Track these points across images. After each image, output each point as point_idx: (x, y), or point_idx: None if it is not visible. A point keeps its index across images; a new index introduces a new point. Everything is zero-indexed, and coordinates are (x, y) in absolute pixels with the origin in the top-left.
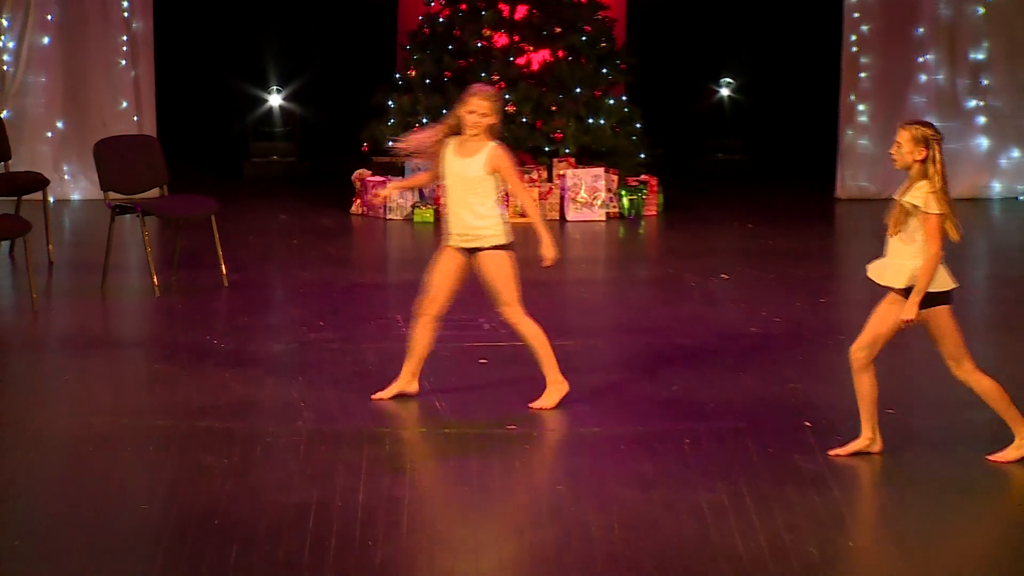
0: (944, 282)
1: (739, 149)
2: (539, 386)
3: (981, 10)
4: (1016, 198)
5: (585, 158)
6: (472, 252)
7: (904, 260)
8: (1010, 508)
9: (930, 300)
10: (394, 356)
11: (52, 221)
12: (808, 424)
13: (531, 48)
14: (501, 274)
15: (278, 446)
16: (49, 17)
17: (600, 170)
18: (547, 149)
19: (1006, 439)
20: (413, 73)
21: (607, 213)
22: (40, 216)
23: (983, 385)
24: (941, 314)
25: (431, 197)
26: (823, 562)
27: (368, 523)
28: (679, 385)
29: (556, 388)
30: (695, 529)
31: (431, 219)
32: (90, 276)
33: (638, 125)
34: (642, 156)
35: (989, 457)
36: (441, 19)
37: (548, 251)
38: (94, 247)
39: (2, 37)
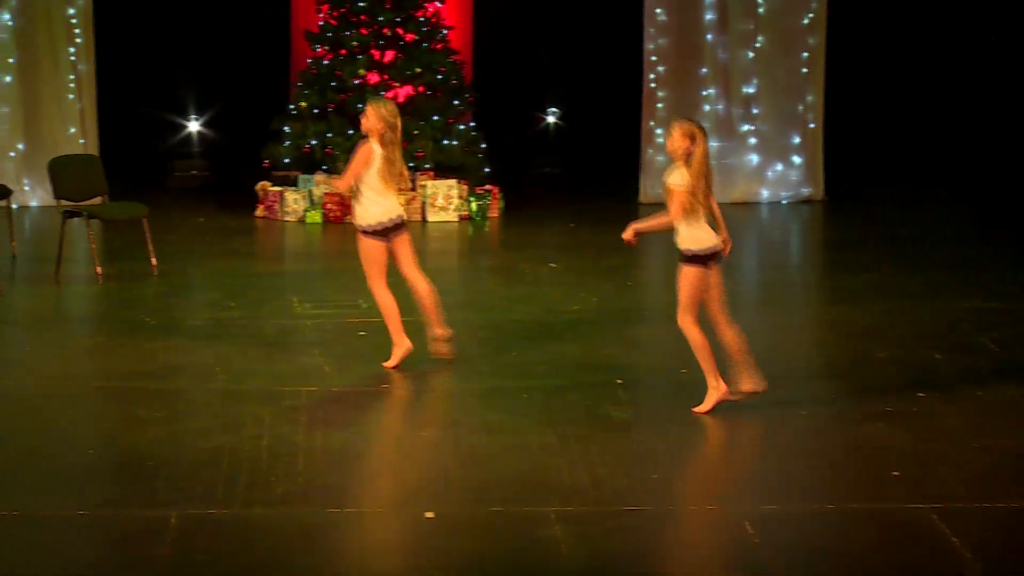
0: (697, 245)
1: (561, 164)
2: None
3: (751, 54)
4: (780, 202)
5: (441, 172)
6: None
7: (680, 229)
8: (773, 444)
9: (684, 259)
10: (291, 330)
11: (15, 224)
12: (620, 381)
13: (397, 84)
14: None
15: (197, 402)
16: (11, 60)
17: (453, 181)
18: (411, 165)
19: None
20: (303, 104)
21: (459, 215)
22: (5, 220)
23: (693, 336)
24: (686, 271)
25: (320, 201)
26: (631, 490)
27: (270, 464)
28: (516, 351)
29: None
30: (530, 465)
31: (319, 220)
32: (46, 267)
33: (483, 145)
34: (486, 170)
35: (693, 410)
36: (325, 61)
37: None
38: (49, 244)
39: None
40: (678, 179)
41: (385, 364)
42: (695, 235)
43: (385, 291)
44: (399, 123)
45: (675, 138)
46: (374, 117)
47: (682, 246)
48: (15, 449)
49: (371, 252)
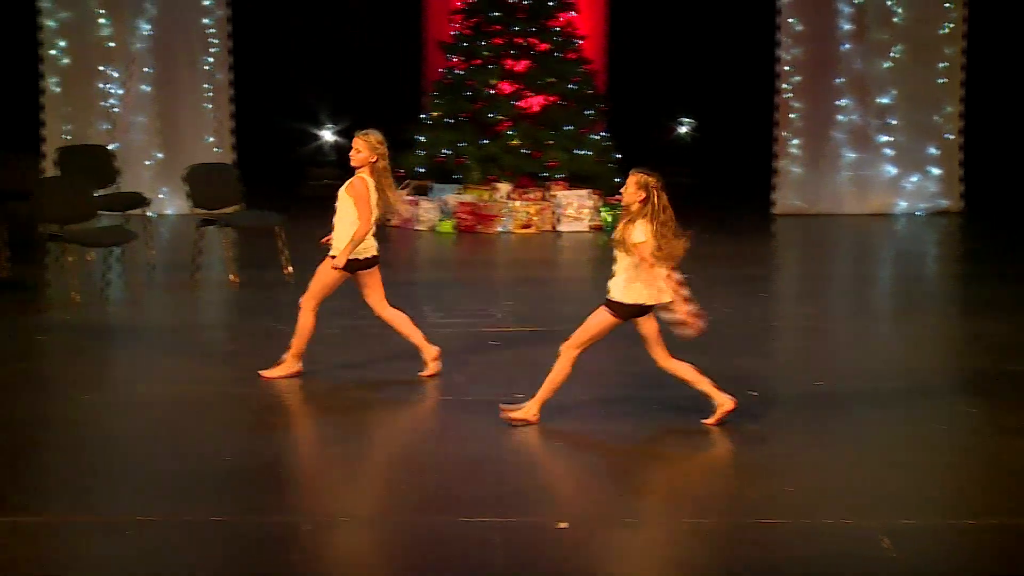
0: (628, 298)
1: (694, 175)
2: (535, 364)
3: (888, 64)
4: (916, 214)
5: (574, 182)
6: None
7: (619, 276)
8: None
9: (633, 312)
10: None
11: (152, 232)
12: (753, 393)
13: (530, 94)
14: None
15: (329, 409)
16: (148, 70)
17: (586, 191)
18: (544, 175)
19: (904, 403)
20: (437, 114)
21: (591, 225)
22: (143, 228)
23: (681, 369)
24: (644, 320)
25: (452, 212)
26: (765, 503)
27: (401, 472)
28: (648, 363)
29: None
30: (663, 477)
31: (452, 229)
32: (182, 274)
33: (615, 155)
34: (618, 180)
35: (704, 422)
36: (458, 71)
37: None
38: (185, 252)
39: (112, 85)
40: (640, 235)
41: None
42: (633, 287)
43: (313, 313)
44: (387, 151)
45: (630, 189)
46: (366, 149)
47: (612, 292)
48: (152, 455)
49: (329, 276)
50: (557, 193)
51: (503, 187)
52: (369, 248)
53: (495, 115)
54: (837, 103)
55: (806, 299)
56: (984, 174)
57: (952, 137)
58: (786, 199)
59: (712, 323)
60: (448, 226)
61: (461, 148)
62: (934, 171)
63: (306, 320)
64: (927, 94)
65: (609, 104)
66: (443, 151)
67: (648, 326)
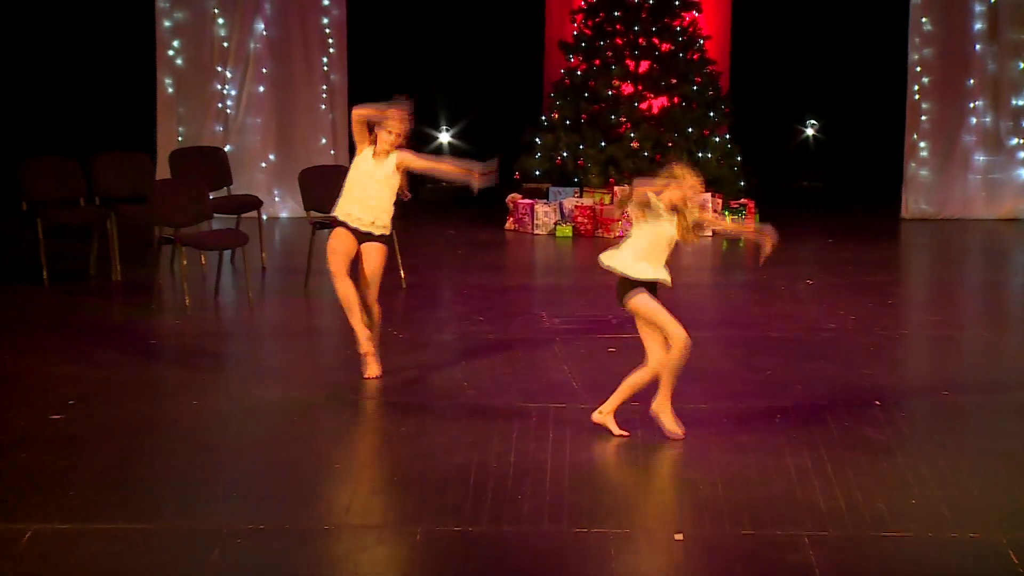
0: (646, 274)
1: (820, 179)
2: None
3: (1022, 64)
4: None
5: None
6: (365, 236)
7: (625, 251)
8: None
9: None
10: (539, 345)
11: (265, 235)
12: (878, 403)
13: (652, 96)
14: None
15: (445, 417)
16: (264, 70)
17: (708, 195)
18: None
19: None
20: (556, 115)
21: (712, 230)
22: (256, 231)
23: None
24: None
25: (570, 216)
26: (890, 516)
27: (517, 480)
28: (771, 370)
29: None
30: (784, 487)
31: (570, 234)
32: (295, 279)
33: (739, 158)
34: (742, 184)
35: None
36: (579, 72)
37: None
38: (299, 256)
39: (227, 86)
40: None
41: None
42: (639, 265)
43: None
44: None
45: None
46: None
47: (618, 266)
48: (266, 461)
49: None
50: None
51: (623, 190)
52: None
53: (615, 117)
54: (969, 105)
55: (934, 306)
56: None
57: None
58: (915, 203)
59: (838, 331)
60: (566, 230)
61: (580, 150)
62: None
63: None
64: None
65: (733, 106)
66: (562, 153)
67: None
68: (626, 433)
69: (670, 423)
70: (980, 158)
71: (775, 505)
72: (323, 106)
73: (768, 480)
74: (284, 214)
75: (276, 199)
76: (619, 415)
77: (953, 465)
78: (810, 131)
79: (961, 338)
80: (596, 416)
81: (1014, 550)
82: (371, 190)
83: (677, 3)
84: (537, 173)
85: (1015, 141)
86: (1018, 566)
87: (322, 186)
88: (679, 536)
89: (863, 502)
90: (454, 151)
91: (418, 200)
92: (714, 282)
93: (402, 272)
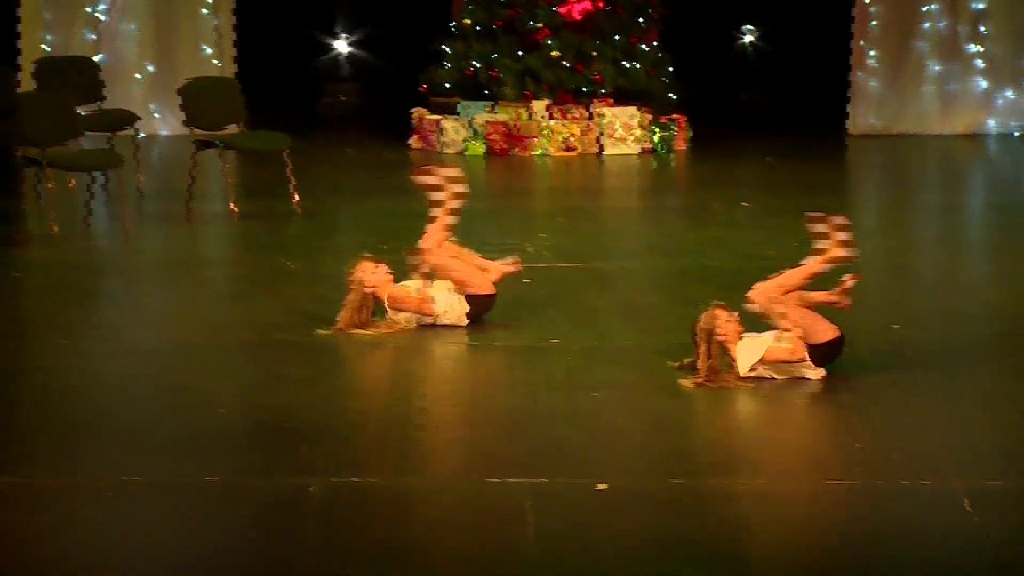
0: None
1: (760, 91)
2: (577, 305)
3: None
4: (1010, 134)
5: (621, 98)
6: None
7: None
8: (997, 410)
9: None
10: None
11: (141, 154)
12: None
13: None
14: None
15: (346, 358)
16: None
17: (634, 109)
18: (587, 90)
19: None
20: (467, 22)
21: (640, 148)
22: (131, 150)
23: None
24: None
25: (482, 132)
26: (833, 462)
27: (425, 428)
28: (706, 303)
29: None
30: (719, 433)
31: (482, 152)
32: (175, 204)
33: (669, 68)
34: (672, 96)
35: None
36: None
37: None
38: (179, 178)
39: None
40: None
41: None
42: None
43: None
44: None
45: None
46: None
47: None
48: (146, 409)
49: None
50: (601, 111)
51: (540, 104)
52: None
53: (533, 22)
54: (922, 8)
55: (884, 231)
56: None
57: None
58: (863, 117)
59: (779, 259)
60: (477, 148)
61: (494, 60)
62: None
63: None
64: None
65: (664, 10)
66: (473, 64)
67: None
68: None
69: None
70: (935, 67)
71: (708, 452)
72: (206, 11)
73: (701, 425)
74: (163, 131)
75: (154, 115)
76: (539, 354)
77: (904, 406)
78: (748, 38)
79: (914, 266)
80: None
81: (969, 497)
82: None
83: None
84: (446, 85)
85: (974, 48)
86: (972, 515)
87: (206, 101)
88: (602, 486)
89: (804, 447)
90: (353, 62)
91: (314, 115)
92: (642, 206)
93: (295, 196)
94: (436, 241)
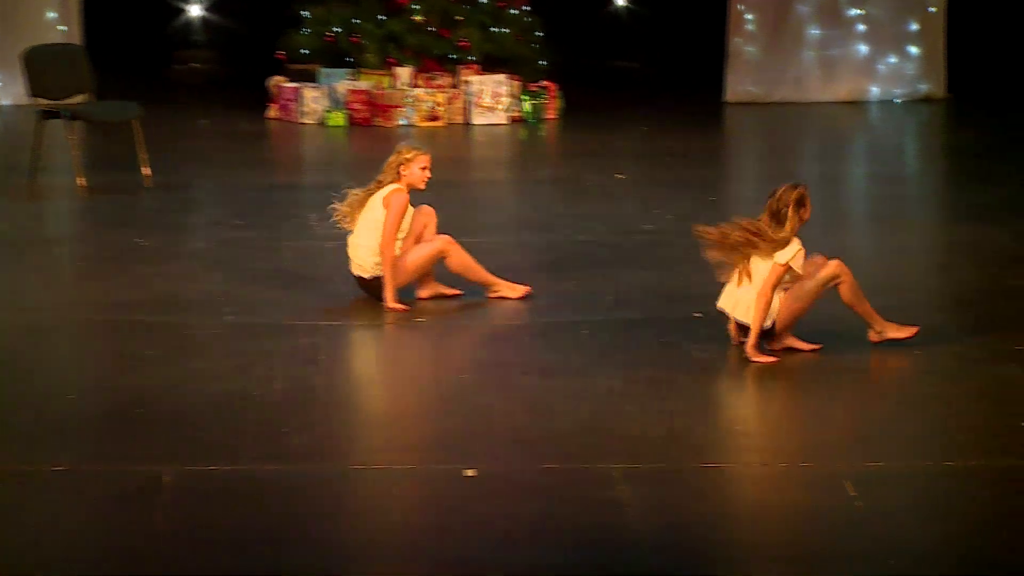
0: None
1: (634, 58)
2: (446, 282)
3: None
4: (893, 100)
5: (489, 65)
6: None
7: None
8: (881, 392)
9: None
10: (309, 253)
11: None
12: (698, 315)
13: None
14: None
15: (200, 339)
16: None
17: (503, 76)
18: (453, 57)
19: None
20: None
21: (509, 117)
22: None
23: None
24: None
25: (343, 101)
26: (712, 445)
27: (284, 412)
28: (578, 279)
29: None
30: (593, 414)
31: (343, 123)
32: (17, 177)
33: (539, 34)
34: (542, 63)
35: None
36: None
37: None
38: (22, 150)
39: None
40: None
41: None
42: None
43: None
44: None
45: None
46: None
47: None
48: None
49: None
50: (469, 79)
51: (404, 72)
52: None
53: None
54: None
55: (761, 203)
56: (971, 54)
57: (935, 11)
58: (740, 85)
59: (655, 233)
60: (338, 118)
61: (355, 26)
62: (914, 50)
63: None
64: None
65: None
66: (333, 29)
67: None
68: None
69: (895, 331)
70: (815, 32)
71: (582, 435)
72: None
73: (575, 407)
74: (5, 101)
75: None
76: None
77: (785, 386)
78: (621, 1)
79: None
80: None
81: (851, 480)
82: None
83: None
84: (305, 52)
85: (855, 11)
86: (856, 498)
87: (51, 68)
88: (471, 472)
89: (682, 430)
90: (207, 27)
91: (166, 83)
92: (512, 178)
93: (146, 169)
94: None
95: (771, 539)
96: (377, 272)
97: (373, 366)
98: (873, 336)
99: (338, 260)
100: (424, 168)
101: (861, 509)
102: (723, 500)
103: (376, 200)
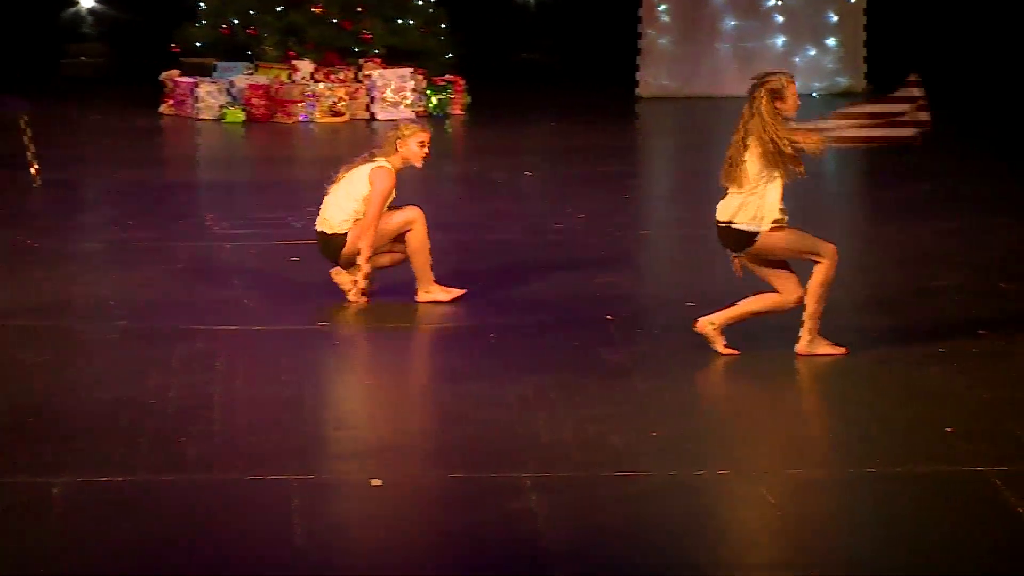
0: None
1: (544, 50)
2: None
3: None
4: (811, 95)
5: (393, 58)
6: None
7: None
8: (801, 397)
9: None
10: (206, 254)
11: None
12: (611, 317)
13: None
14: None
15: (90, 343)
16: None
17: (407, 70)
18: (355, 50)
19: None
20: None
21: (414, 112)
22: None
23: None
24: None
25: (241, 97)
26: (627, 452)
27: (180, 421)
28: (486, 280)
29: None
30: (502, 421)
31: (241, 119)
32: None
33: (444, 26)
34: (448, 56)
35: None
36: None
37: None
38: None
39: None
40: None
41: None
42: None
43: None
44: None
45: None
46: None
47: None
48: None
49: None
50: (372, 73)
51: (305, 66)
52: None
53: None
54: None
55: (678, 201)
56: (891, 46)
57: (854, 1)
58: (654, 79)
59: (565, 232)
60: (236, 114)
61: (253, 17)
62: (833, 43)
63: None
64: None
65: None
66: (230, 21)
67: None
68: (734, 351)
69: (826, 347)
70: (731, 23)
71: (490, 443)
72: None
73: (484, 413)
74: None
75: None
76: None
77: (702, 391)
78: None
79: (710, 239)
80: (703, 325)
81: (769, 488)
82: None
83: None
84: (200, 45)
85: (772, 2)
86: (775, 507)
87: None
88: (376, 482)
89: (595, 437)
90: (98, 18)
91: (55, 77)
92: (417, 175)
93: (34, 167)
94: None
95: (688, 549)
96: (339, 230)
97: (273, 372)
98: (803, 347)
99: (236, 261)
100: (422, 144)
101: (781, 517)
102: (637, 509)
103: (363, 170)
